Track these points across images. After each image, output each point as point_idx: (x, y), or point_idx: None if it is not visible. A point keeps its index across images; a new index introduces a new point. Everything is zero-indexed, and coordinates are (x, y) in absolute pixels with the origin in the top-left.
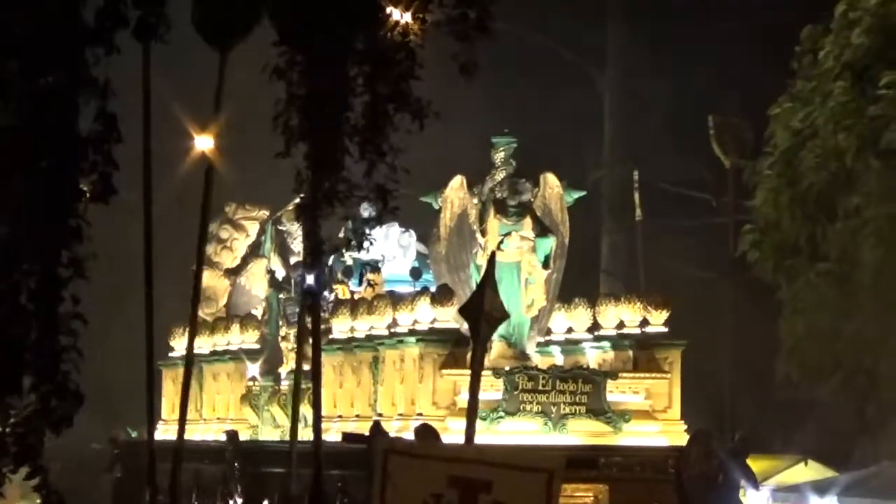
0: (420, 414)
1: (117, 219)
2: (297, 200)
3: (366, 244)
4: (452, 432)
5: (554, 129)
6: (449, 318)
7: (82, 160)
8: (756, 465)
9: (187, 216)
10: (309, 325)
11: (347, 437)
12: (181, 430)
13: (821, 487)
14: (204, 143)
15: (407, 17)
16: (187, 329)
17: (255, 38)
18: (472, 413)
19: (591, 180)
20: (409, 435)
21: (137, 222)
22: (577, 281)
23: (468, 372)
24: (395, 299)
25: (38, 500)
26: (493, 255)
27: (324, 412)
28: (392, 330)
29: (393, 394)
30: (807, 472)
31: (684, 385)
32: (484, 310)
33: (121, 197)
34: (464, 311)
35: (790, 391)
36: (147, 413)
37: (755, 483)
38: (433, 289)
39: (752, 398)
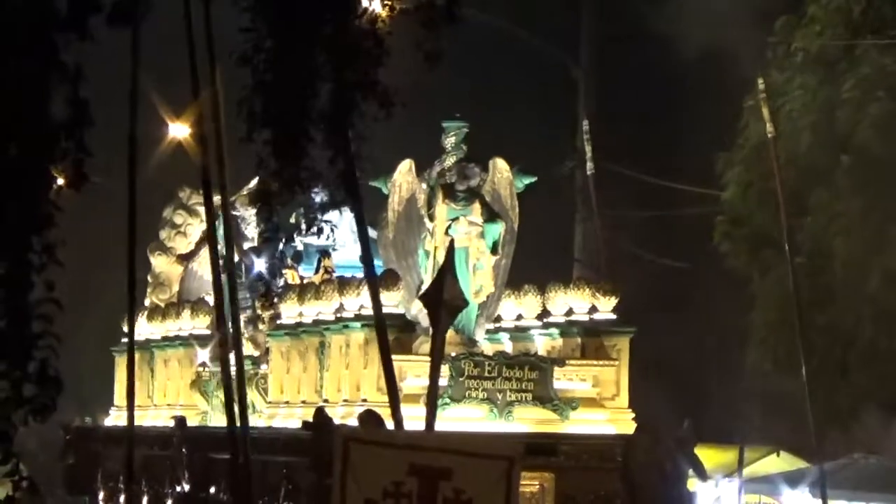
0: (365, 400)
1: (84, 204)
2: (251, 185)
3: (326, 230)
4: None
5: (527, 117)
6: (395, 303)
7: (54, 146)
8: (726, 455)
9: (144, 201)
10: (259, 311)
11: (307, 425)
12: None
13: (793, 478)
14: (177, 129)
15: (375, 5)
16: (140, 314)
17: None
18: (432, 401)
19: (564, 168)
20: (354, 421)
21: (102, 207)
22: (551, 269)
23: (414, 358)
24: (342, 284)
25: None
26: (451, 243)
27: (271, 397)
28: (338, 315)
29: (339, 379)
30: (779, 463)
31: (652, 376)
32: (444, 298)
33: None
34: (424, 299)
35: (762, 382)
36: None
37: (703, 472)
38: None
39: (725, 389)
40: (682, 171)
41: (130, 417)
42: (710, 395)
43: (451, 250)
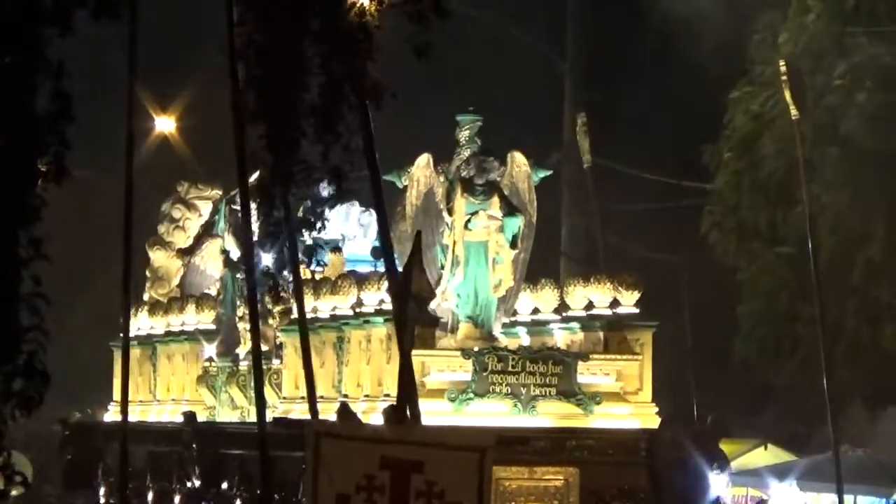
0: (387, 395)
1: (74, 198)
2: (253, 179)
3: (319, 224)
4: (421, 413)
5: (513, 112)
6: None
7: (38, 140)
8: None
9: (141, 195)
10: (270, 306)
11: (280, 421)
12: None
13: (780, 471)
14: (165, 124)
15: None
16: (141, 309)
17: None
18: (402, 394)
19: (550, 163)
20: (377, 416)
21: (93, 201)
22: (537, 263)
23: (436, 352)
24: (360, 279)
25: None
26: (418, 234)
27: (286, 393)
28: (357, 310)
29: (359, 375)
30: (766, 455)
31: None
32: (412, 291)
33: (75, 176)
34: (391, 292)
35: (749, 374)
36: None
37: (727, 467)
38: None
39: (712, 381)
40: (671, 162)
41: (124, 412)
42: (698, 387)
43: (417, 242)
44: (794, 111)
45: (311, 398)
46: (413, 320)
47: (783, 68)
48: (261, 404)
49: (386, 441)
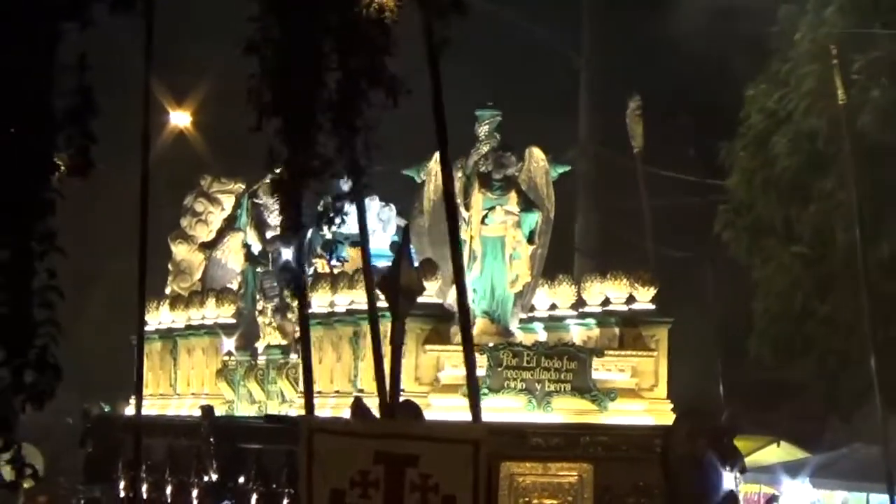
0: (402, 390)
1: (89, 191)
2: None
3: (337, 219)
4: (435, 409)
5: (528, 106)
6: (432, 292)
7: (58, 134)
8: None
9: (161, 189)
10: (289, 300)
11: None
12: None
13: (792, 468)
14: (180, 118)
15: None
16: (162, 302)
17: (233, 13)
18: (394, 389)
19: (565, 158)
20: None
21: (108, 195)
22: (552, 259)
23: (451, 347)
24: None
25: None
26: (406, 228)
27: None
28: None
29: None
30: (778, 452)
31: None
32: (401, 284)
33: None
34: (381, 286)
35: (763, 372)
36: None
37: (742, 464)
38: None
39: (725, 378)
40: (686, 159)
41: (138, 406)
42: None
43: (406, 236)
44: (841, 95)
45: (381, 393)
46: (403, 314)
47: (834, 51)
48: (309, 399)
49: (379, 436)
